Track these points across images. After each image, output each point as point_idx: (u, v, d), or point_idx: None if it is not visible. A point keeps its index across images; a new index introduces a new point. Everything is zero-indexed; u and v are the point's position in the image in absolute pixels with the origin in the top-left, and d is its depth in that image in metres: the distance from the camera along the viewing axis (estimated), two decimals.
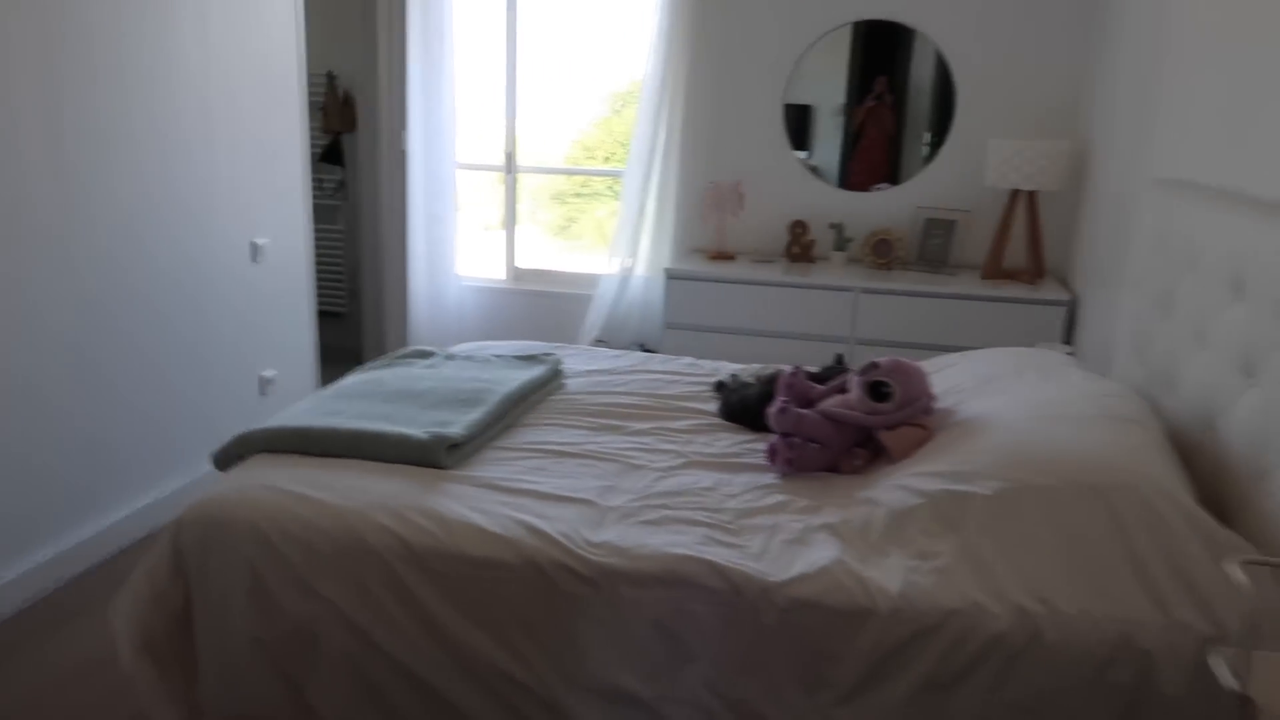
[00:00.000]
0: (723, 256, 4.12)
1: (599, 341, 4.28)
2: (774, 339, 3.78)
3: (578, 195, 5.24)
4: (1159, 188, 2.52)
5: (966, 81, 3.97)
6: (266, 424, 2.23)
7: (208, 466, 3.30)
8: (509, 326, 4.64)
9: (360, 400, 2.38)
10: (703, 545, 1.81)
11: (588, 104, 4.88)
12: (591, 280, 4.48)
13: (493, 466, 2.13)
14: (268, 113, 3.59)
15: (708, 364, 2.97)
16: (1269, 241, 1.82)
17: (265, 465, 2.09)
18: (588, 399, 2.58)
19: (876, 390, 2.17)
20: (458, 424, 2.19)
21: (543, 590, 1.78)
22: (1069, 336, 3.57)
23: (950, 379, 2.42)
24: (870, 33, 4.04)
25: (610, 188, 4.91)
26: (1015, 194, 3.79)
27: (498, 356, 2.82)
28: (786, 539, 1.85)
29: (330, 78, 4.83)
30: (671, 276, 3.89)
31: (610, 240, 4.41)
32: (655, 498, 2.01)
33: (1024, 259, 3.88)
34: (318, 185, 4.68)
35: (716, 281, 3.85)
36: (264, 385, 3.70)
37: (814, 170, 4.21)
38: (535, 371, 2.62)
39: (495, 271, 4.77)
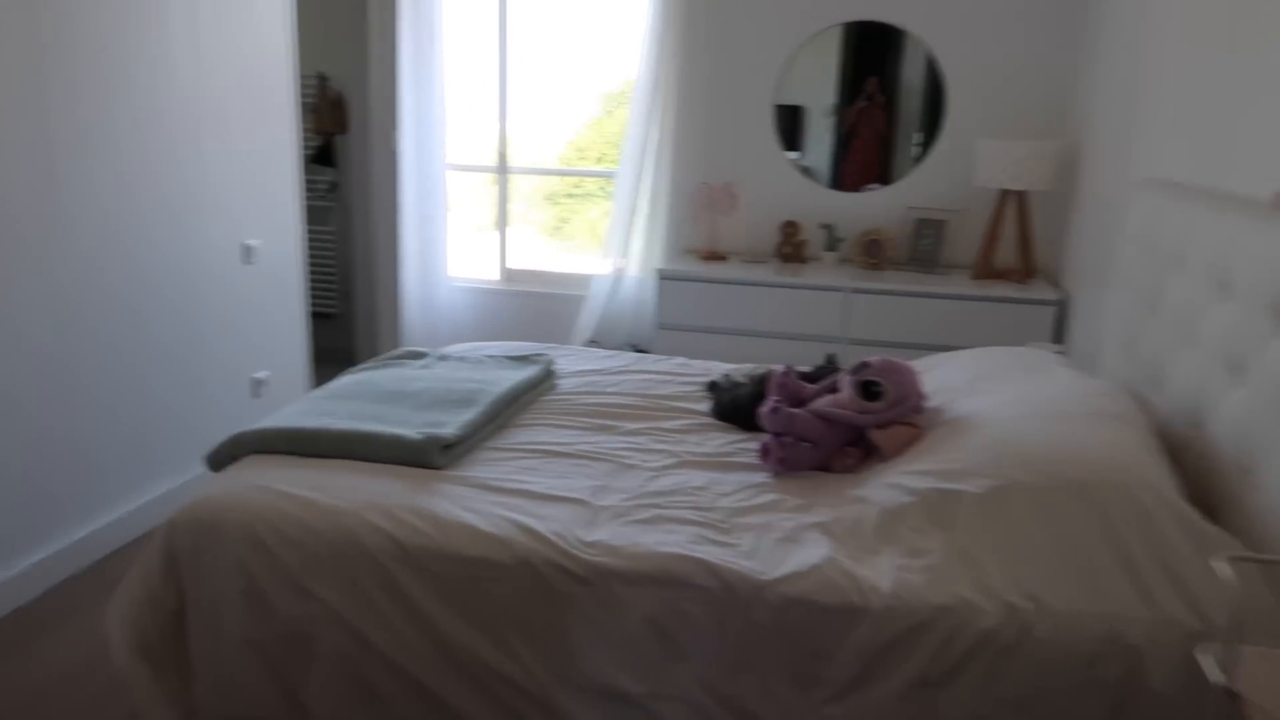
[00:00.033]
0: (715, 257, 4.13)
1: (591, 342, 4.29)
2: (766, 339, 3.80)
3: (570, 196, 5.25)
4: (1146, 187, 2.54)
5: (956, 82, 3.98)
6: (259, 425, 2.24)
7: (199, 468, 3.31)
8: (502, 327, 4.64)
9: (353, 401, 2.38)
10: (695, 544, 1.82)
11: (580, 105, 4.89)
12: (584, 281, 4.49)
13: (486, 467, 2.13)
14: (259, 114, 3.58)
15: (700, 364, 2.99)
16: (1254, 241, 1.84)
17: (258, 466, 2.10)
18: (580, 399, 2.59)
19: (868, 389, 2.18)
20: (451, 424, 2.19)
21: (536, 589, 1.79)
22: (1059, 335, 3.59)
23: (941, 378, 2.43)
24: (861, 34, 4.05)
25: (602, 188, 4.92)
26: (1005, 194, 3.81)
27: (490, 357, 2.82)
28: (778, 537, 1.86)
29: (322, 79, 4.82)
30: (664, 277, 3.90)
31: (603, 241, 4.42)
32: (648, 497, 2.02)
33: (1014, 259, 3.90)
34: (309, 187, 4.67)
35: (709, 282, 3.86)
36: (256, 387, 3.70)
37: (805, 171, 4.23)
38: (528, 372, 2.63)
39: (488, 272, 4.78)
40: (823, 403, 2.22)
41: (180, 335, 3.29)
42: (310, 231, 4.46)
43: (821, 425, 2.16)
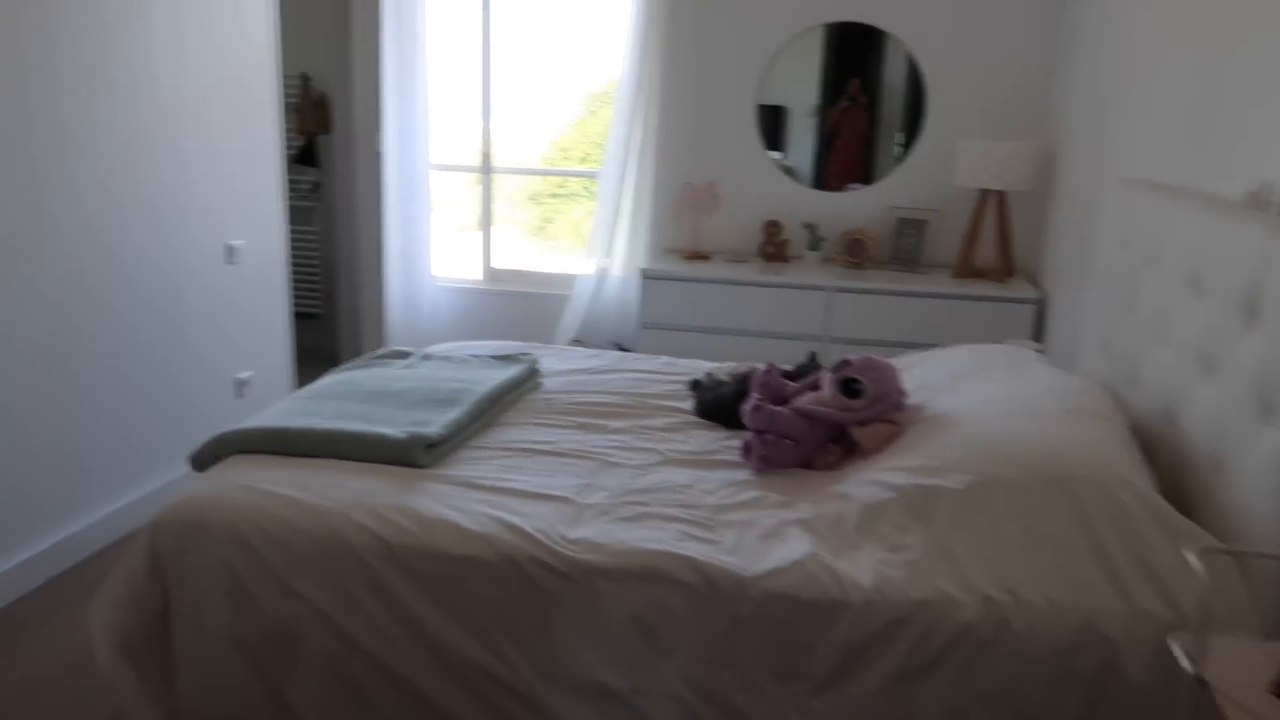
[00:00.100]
0: (698, 256, 4.15)
1: (576, 341, 4.30)
2: (749, 338, 3.82)
3: (554, 196, 5.26)
4: (1123, 187, 2.57)
5: (937, 83, 4.02)
6: (243, 424, 2.24)
7: (182, 469, 3.31)
8: (485, 327, 4.65)
9: (337, 400, 2.39)
10: (679, 541, 1.84)
11: (563, 104, 4.90)
12: (568, 280, 4.50)
13: (470, 465, 2.14)
14: (242, 114, 3.58)
15: (683, 363, 3.00)
16: (1226, 240, 1.88)
17: (242, 466, 2.10)
18: (565, 398, 2.61)
19: (849, 387, 2.20)
20: (435, 423, 2.20)
21: (521, 587, 1.81)
22: (1038, 334, 3.63)
23: (921, 375, 2.46)
24: (843, 35, 4.08)
25: (586, 188, 4.93)
26: (985, 194, 3.85)
27: (475, 356, 2.83)
28: (761, 534, 1.88)
29: (305, 79, 4.82)
30: (647, 276, 3.92)
31: (586, 240, 4.43)
32: (632, 495, 2.03)
33: (994, 258, 3.94)
34: (293, 187, 4.66)
35: (692, 281, 3.88)
36: (239, 387, 3.70)
37: (788, 170, 4.25)
38: (512, 371, 2.64)
39: (472, 272, 4.78)
40: (804, 400, 2.24)
41: (163, 335, 3.29)
42: (293, 231, 4.45)
43: (803, 423, 2.18)
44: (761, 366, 2.42)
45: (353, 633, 1.86)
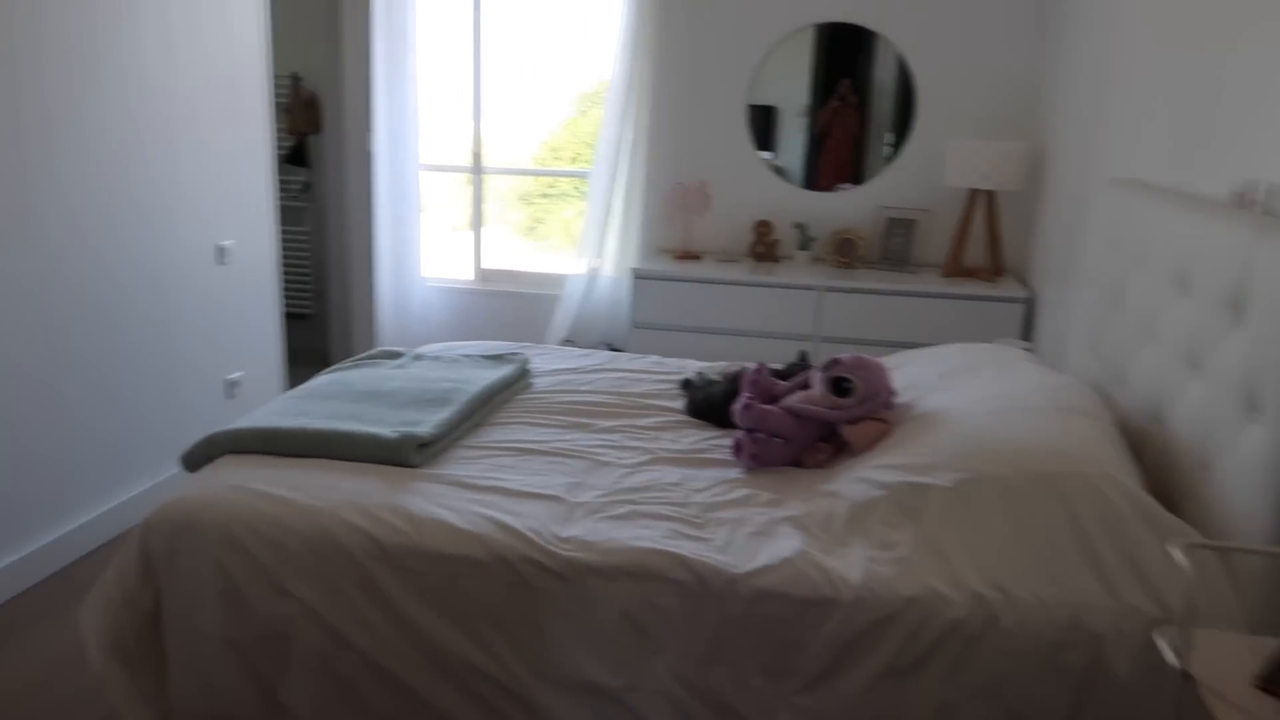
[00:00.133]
0: (689, 256, 4.16)
1: (566, 341, 4.31)
2: (739, 337, 3.83)
3: (544, 196, 5.26)
4: (1111, 187, 2.59)
5: (926, 84, 4.04)
6: (235, 425, 2.24)
7: (172, 471, 3.30)
8: (476, 327, 4.65)
9: (329, 401, 2.39)
10: (669, 539, 1.85)
11: (554, 104, 4.91)
12: (559, 280, 4.51)
13: (462, 465, 2.15)
14: (232, 114, 3.57)
15: (674, 362, 3.01)
16: (1212, 239, 1.89)
17: (234, 466, 2.10)
18: (555, 397, 2.61)
19: (839, 386, 2.21)
20: (427, 423, 2.21)
21: (512, 585, 1.81)
22: (1026, 333, 3.65)
23: (911, 374, 2.47)
24: (833, 35, 4.10)
25: (577, 188, 4.94)
26: (974, 193, 3.86)
27: (466, 356, 2.84)
28: (751, 532, 1.89)
29: (295, 79, 4.81)
30: (638, 276, 3.93)
31: (577, 240, 4.44)
32: (623, 493, 2.04)
33: (983, 257, 3.96)
34: (283, 187, 4.66)
35: (683, 281, 3.89)
36: (230, 388, 3.69)
37: (778, 170, 4.27)
38: (503, 371, 2.64)
39: (463, 272, 4.78)
40: (794, 399, 2.25)
41: (153, 336, 3.28)
42: (284, 232, 4.45)
43: (793, 421, 2.19)
44: (752, 365, 2.43)
45: (345, 632, 1.86)
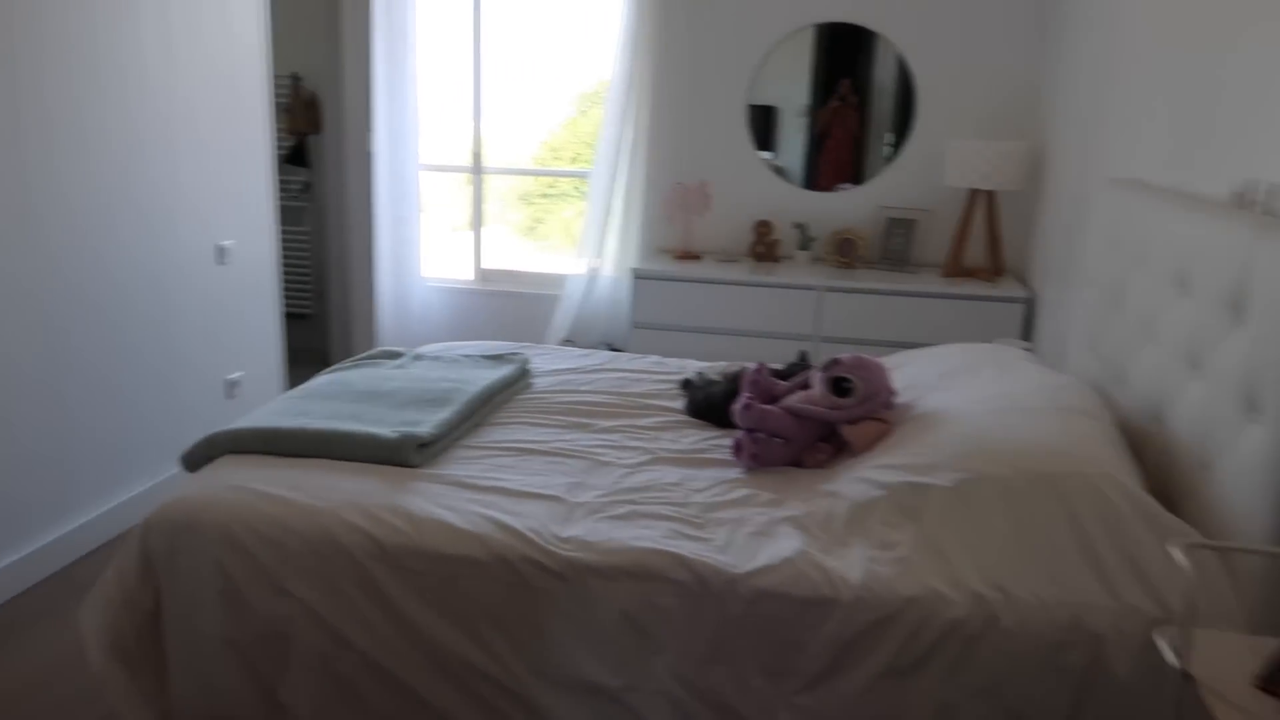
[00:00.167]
0: (689, 256, 4.16)
1: (566, 341, 4.31)
2: (739, 337, 3.83)
3: (544, 196, 5.26)
4: (1112, 187, 2.59)
5: (926, 84, 4.04)
6: (235, 425, 2.24)
7: (171, 471, 3.30)
8: (476, 327, 4.65)
9: (329, 401, 2.39)
10: (669, 539, 1.85)
11: (554, 104, 4.91)
12: (559, 280, 4.51)
13: (462, 465, 2.15)
14: (232, 114, 3.57)
15: (674, 362, 3.01)
16: (1212, 239, 1.89)
17: (234, 466, 2.10)
18: (555, 397, 2.61)
19: (839, 386, 2.21)
20: (427, 423, 2.21)
21: (513, 585, 1.81)
22: (1026, 333, 3.65)
23: (911, 374, 2.47)
24: (833, 35, 4.10)
25: (577, 188, 4.94)
26: (974, 193, 3.86)
27: (466, 356, 2.84)
28: (751, 532, 1.89)
29: (295, 79, 4.81)
30: (638, 276, 3.93)
31: (577, 240, 4.44)
32: (623, 493, 2.04)
33: (983, 257, 3.96)
34: (283, 187, 4.66)
35: (683, 281, 3.89)
36: (230, 388, 3.69)
37: (778, 170, 4.27)
38: (503, 371, 2.64)
39: (463, 272, 4.78)
40: (794, 399, 2.25)
41: (153, 336, 3.28)
42: (284, 232, 4.45)
43: (793, 421, 2.19)
44: (752, 365, 2.43)
45: (345, 632, 1.86)
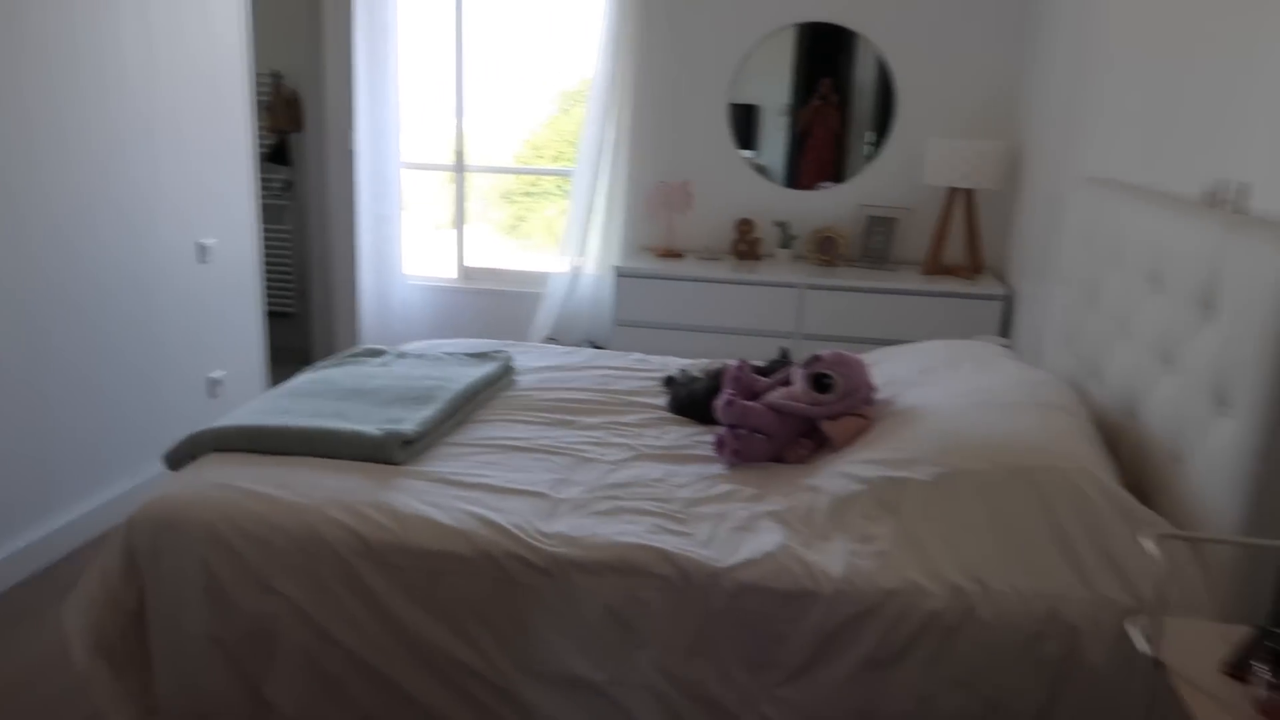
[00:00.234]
0: (671, 254, 4.18)
1: (550, 339, 4.32)
2: (721, 334, 3.85)
3: (527, 194, 5.27)
4: (1087, 186, 2.63)
5: (906, 83, 4.07)
6: (218, 423, 2.24)
7: (154, 470, 3.29)
8: (459, 325, 4.65)
9: (312, 399, 2.39)
10: (653, 534, 1.87)
11: (537, 103, 4.91)
12: (541, 278, 4.51)
13: (446, 462, 2.16)
14: (213, 112, 3.56)
15: (657, 359, 3.03)
16: (1184, 237, 1.93)
17: (217, 464, 2.10)
18: (539, 395, 2.62)
19: (819, 382, 2.24)
20: (411, 420, 2.21)
21: (497, 581, 1.82)
22: (1005, 329, 3.69)
23: (890, 370, 2.50)
24: (814, 35, 4.13)
25: (559, 186, 4.94)
26: (953, 192, 3.90)
27: (449, 354, 2.84)
28: (733, 526, 1.91)
29: (276, 77, 4.79)
30: (621, 274, 3.95)
31: (560, 239, 4.45)
32: (606, 489, 2.06)
33: (962, 255, 4.00)
34: (265, 185, 4.64)
35: (665, 279, 3.91)
36: (212, 386, 3.68)
37: (760, 169, 4.29)
38: (487, 368, 2.65)
39: (445, 270, 4.78)
40: (776, 396, 2.27)
41: (134, 335, 3.27)
42: (266, 230, 4.43)
43: (775, 417, 2.21)
44: (734, 362, 2.45)
45: (330, 629, 1.87)
